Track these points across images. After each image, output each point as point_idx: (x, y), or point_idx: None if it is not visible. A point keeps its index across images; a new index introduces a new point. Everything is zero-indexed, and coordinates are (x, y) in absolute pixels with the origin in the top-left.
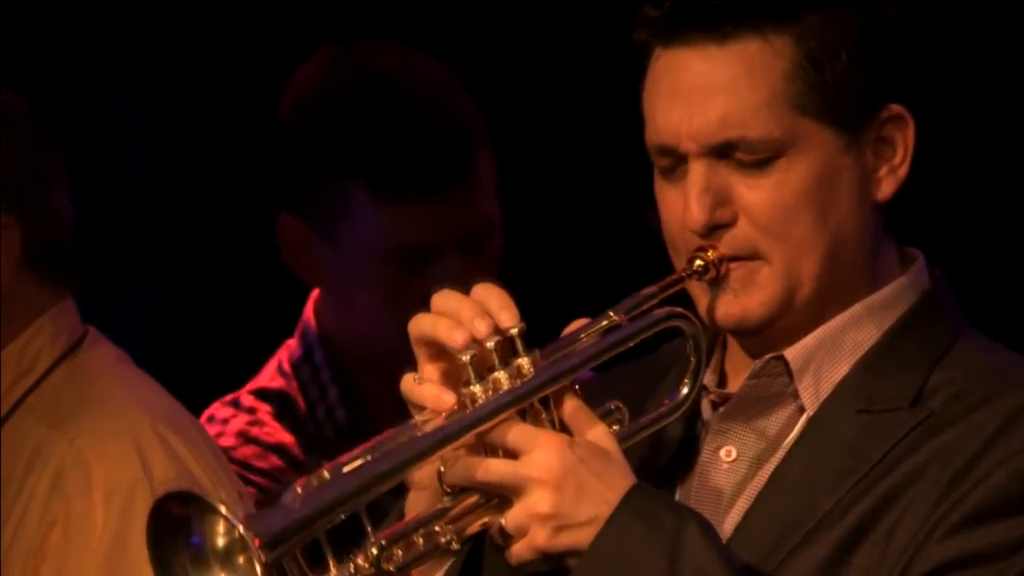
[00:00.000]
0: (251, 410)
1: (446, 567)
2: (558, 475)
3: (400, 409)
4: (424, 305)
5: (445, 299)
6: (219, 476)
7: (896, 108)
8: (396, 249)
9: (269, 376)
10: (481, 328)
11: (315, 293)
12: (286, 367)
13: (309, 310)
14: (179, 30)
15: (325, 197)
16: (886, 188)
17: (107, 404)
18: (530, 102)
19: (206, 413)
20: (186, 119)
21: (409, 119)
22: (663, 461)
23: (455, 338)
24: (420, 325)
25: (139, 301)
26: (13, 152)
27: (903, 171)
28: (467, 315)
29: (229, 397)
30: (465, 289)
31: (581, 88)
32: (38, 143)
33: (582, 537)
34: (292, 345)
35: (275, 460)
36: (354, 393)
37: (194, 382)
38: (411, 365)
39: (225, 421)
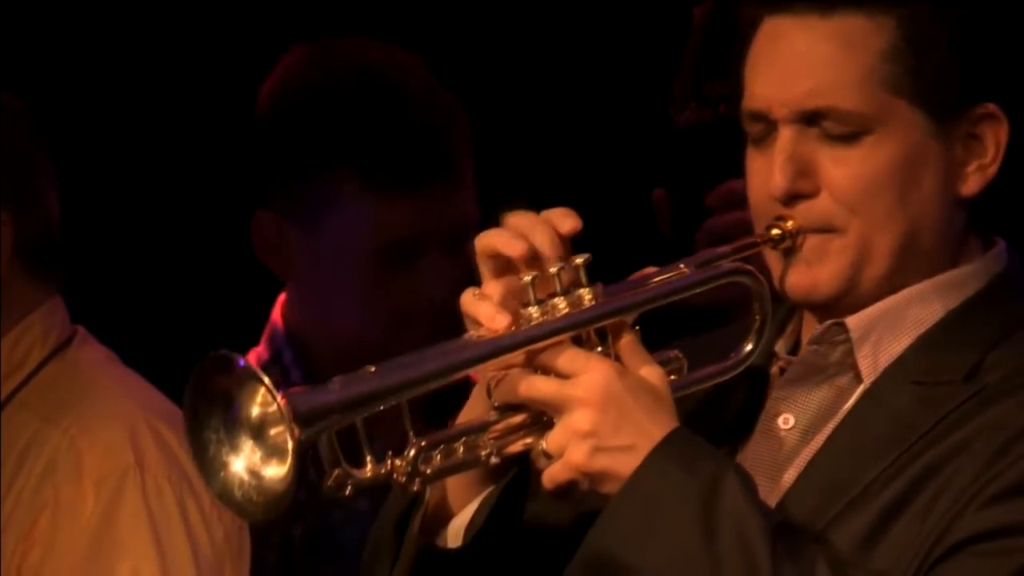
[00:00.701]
0: None
1: (482, 496)
2: (602, 397)
3: None
4: (405, 300)
5: (516, 216)
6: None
7: (991, 107)
8: (381, 244)
9: None
10: (542, 240)
11: (281, 297)
12: None
13: (276, 313)
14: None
15: (306, 190)
16: (972, 184)
17: (100, 397)
18: (507, 100)
19: None
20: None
21: (400, 112)
22: (725, 422)
23: (514, 247)
24: (485, 236)
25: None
26: (7, 148)
27: (992, 170)
28: (530, 228)
29: None
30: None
31: (559, 85)
32: (31, 140)
33: (618, 463)
34: (259, 351)
35: None
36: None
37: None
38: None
39: None
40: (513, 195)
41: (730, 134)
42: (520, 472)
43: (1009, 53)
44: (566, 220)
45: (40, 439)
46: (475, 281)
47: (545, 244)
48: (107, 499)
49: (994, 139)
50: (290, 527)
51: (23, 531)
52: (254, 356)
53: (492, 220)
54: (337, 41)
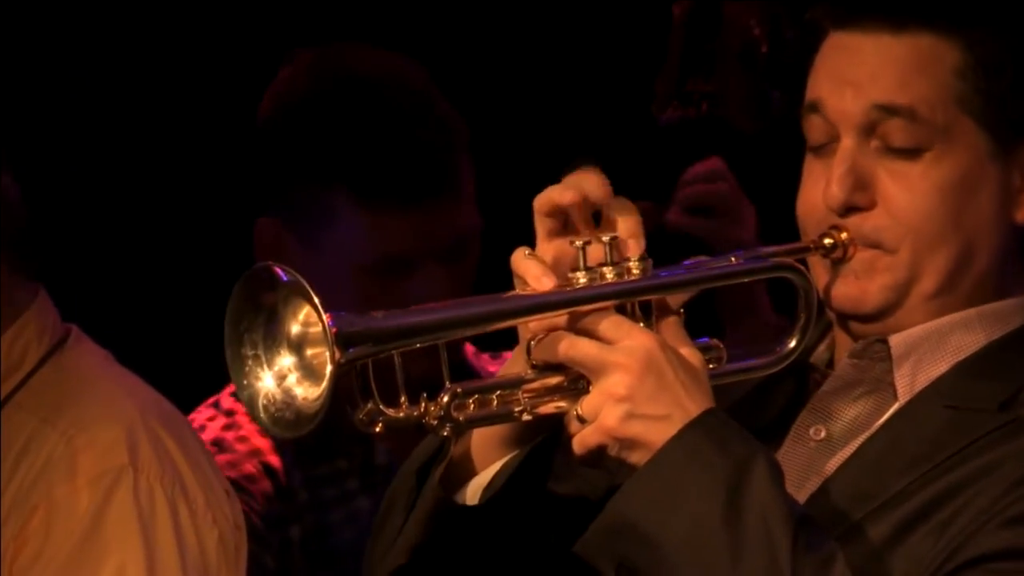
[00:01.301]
0: (229, 412)
1: (506, 459)
2: (642, 365)
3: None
4: None
5: (592, 184)
6: (205, 472)
7: None
8: (377, 259)
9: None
10: (592, 186)
11: None
12: None
13: None
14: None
15: (305, 202)
16: None
17: (98, 398)
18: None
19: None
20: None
21: (393, 126)
22: (758, 427)
23: (564, 195)
24: (545, 192)
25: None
26: None
27: None
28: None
29: (211, 399)
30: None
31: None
32: None
33: (651, 432)
34: None
35: (249, 468)
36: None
37: (180, 384)
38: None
39: (201, 428)
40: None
41: (712, 131)
42: (546, 441)
43: None
44: (594, 187)
45: (38, 440)
46: (473, 291)
47: (595, 189)
48: (99, 498)
49: None
50: (288, 529)
51: (16, 530)
52: None
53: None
54: (334, 49)
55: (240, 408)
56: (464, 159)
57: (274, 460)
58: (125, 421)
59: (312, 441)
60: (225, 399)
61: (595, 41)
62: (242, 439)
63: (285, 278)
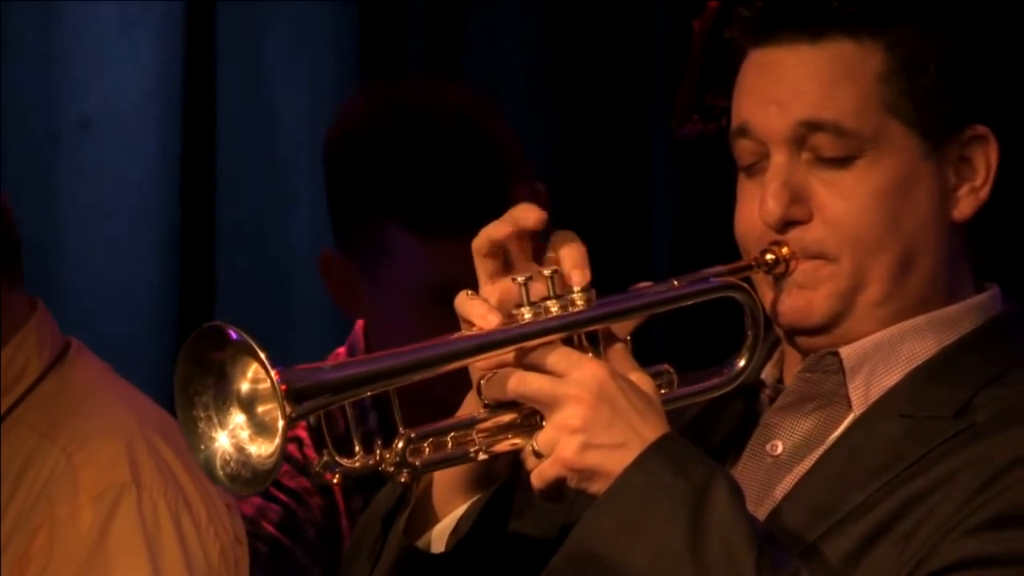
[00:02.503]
0: None
1: (469, 503)
2: (594, 395)
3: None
4: None
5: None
6: (206, 484)
7: (981, 129)
8: (433, 285)
9: None
10: (525, 214)
11: None
12: None
13: (359, 326)
14: None
15: (365, 236)
16: (965, 208)
17: (98, 412)
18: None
19: None
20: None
21: (444, 157)
22: (713, 447)
23: (499, 229)
24: (482, 231)
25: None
26: None
27: (984, 193)
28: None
29: None
30: None
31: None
32: None
33: (609, 461)
34: (340, 356)
35: (303, 481)
36: (392, 424)
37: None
38: (444, 402)
39: None
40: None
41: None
42: (507, 483)
43: (996, 75)
44: (529, 215)
45: (38, 456)
46: None
47: (530, 219)
48: (102, 516)
49: (984, 161)
50: (343, 547)
51: (20, 550)
52: (333, 358)
53: None
54: (394, 82)
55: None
56: (520, 184)
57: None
58: (125, 435)
59: None
60: None
61: (616, 55)
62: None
63: (234, 337)
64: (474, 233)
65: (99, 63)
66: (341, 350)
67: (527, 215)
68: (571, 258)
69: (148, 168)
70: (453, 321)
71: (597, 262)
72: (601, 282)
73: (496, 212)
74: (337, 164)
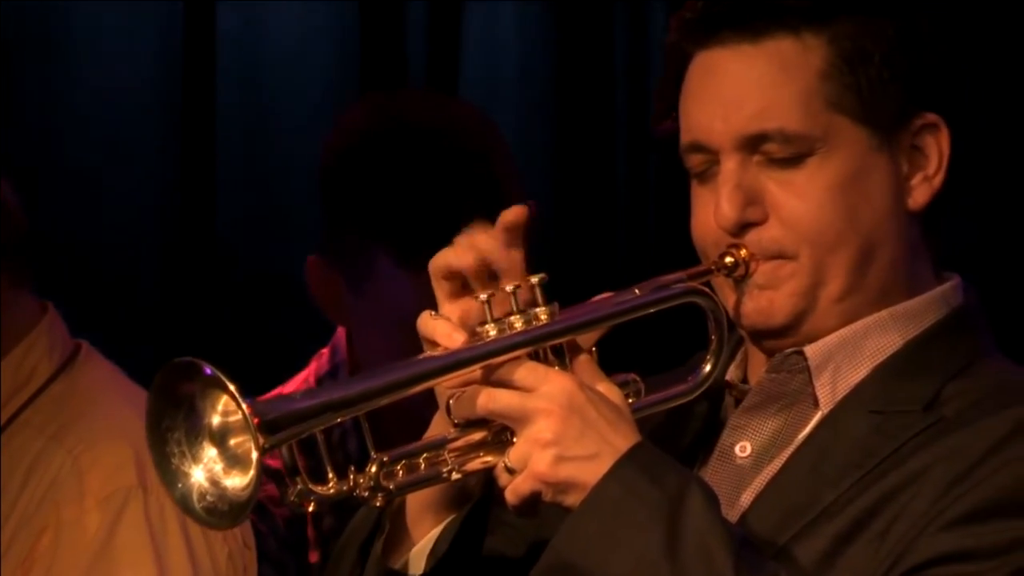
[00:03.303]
0: None
1: (444, 524)
2: (564, 407)
3: None
4: None
5: (465, 232)
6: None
7: (931, 117)
8: (415, 315)
9: (294, 386)
10: (489, 246)
11: None
12: (312, 380)
13: (342, 331)
14: None
15: (352, 252)
16: (919, 197)
17: (106, 415)
18: None
19: None
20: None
21: (439, 190)
22: (679, 451)
23: (462, 258)
24: (439, 258)
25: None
26: None
27: (938, 180)
28: (479, 239)
29: None
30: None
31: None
32: None
33: (582, 472)
34: (321, 361)
35: (273, 489)
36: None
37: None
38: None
39: None
40: None
41: None
42: (481, 502)
43: (943, 61)
44: (507, 214)
45: (45, 459)
46: None
47: (494, 252)
48: (109, 519)
49: (937, 149)
50: (309, 554)
51: (24, 552)
52: (316, 362)
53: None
54: (400, 95)
55: None
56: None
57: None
58: (132, 438)
59: None
60: None
61: (615, 56)
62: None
63: (203, 371)
64: None
65: (99, 63)
66: (325, 351)
67: (487, 244)
68: (505, 212)
69: (148, 168)
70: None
71: (598, 263)
72: (603, 285)
73: None
74: (332, 178)
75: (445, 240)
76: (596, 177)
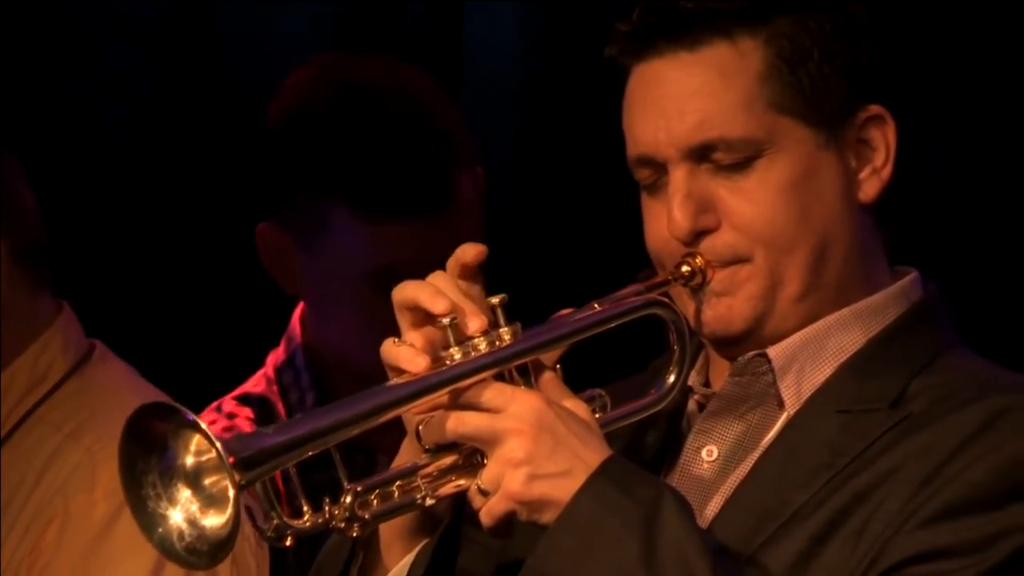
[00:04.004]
0: (231, 415)
1: (418, 548)
2: (534, 426)
3: None
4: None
5: (437, 276)
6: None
7: (875, 108)
8: (371, 269)
9: (254, 382)
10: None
11: (301, 304)
12: (270, 372)
13: (295, 318)
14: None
15: (305, 210)
16: (869, 189)
17: (122, 413)
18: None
19: None
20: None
21: (391, 139)
22: (646, 459)
23: (437, 304)
24: (404, 290)
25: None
26: None
27: (886, 172)
28: (451, 290)
29: (215, 403)
30: None
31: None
32: (6, 164)
33: (556, 489)
34: (278, 352)
35: None
36: (331, 400)
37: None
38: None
39: None
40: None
41: None
42: (452, 525)
43: (881, 50)
44: (468, 251)
45: (63, 455)
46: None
47: (465, 303)
48: (114, 508)
49: (883, 141)
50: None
51: (32, 543)
52: (273, 356)
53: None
54: (344, 59)
55: (242, 411)
56: (466, 172)
57: None
58: None
59: None
60: (227, 403)
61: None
62: None
63: (174, 413)
64: (416, 219)
65: (99, 62)
66: (278, 350)
67: (452, 289)
68: (465, 247)
69: (149, 167)
70: (389, 308)
71: (602, 261)
72: (605, 284)
73: (439, 202)
74: (282, 137)
75: (401, 191)
76: (597, 177)
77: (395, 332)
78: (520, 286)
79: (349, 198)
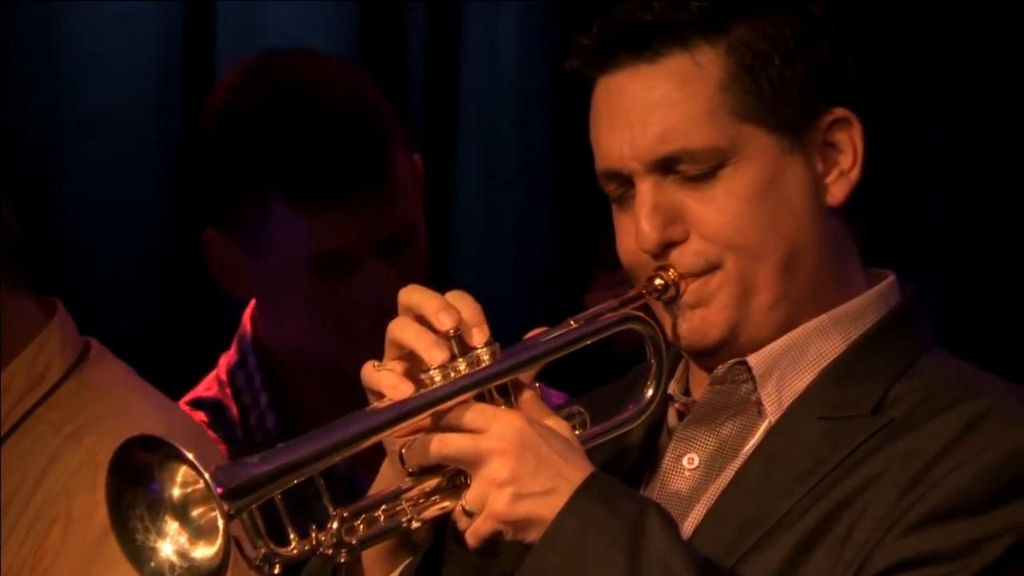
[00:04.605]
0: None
1: (401, 567)
2: (517, 445)
3: (329, 415)
4: (349, 311)
5: (419, 299)
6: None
7: (840, 111)
8: (316, 257)
9: (205, 385)
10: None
11: (252, 302)
12: (222, 375)
13: (246, 318)
14: None
15: (244, 210)
16: (838, 192)
17: (122, 413)
18: None
19: None
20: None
21: (318, 125)
22: (626, 469)
23: (434, 356)
24: (403, 332)
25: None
26: None
27: (855, 174)
28: (445, 327)
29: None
30: (396, 287)
31: None
32: None
33: (541, 508)
34: (229, 354)
35: None
36: (285, 400)
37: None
38: (340, 373)
39: None
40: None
41: None
42: (434, 546)
43: (843, 52)
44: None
45: (64, 457)
46: (417, 282)
47: (444, 317)
48: None
49: (850, 143)
50: None
51: (35, 545)
52: (224, 360)
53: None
54: (268, 56)
55: (195, 415)
56: (398, 153)
57: None
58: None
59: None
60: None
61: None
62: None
63: (159, 444)
64: (354, 201)
65: (99, 63)
66: (230, 352)
67: (441, 314)
68: (470, 317)
69: (148, 168)
70: (336, 293)
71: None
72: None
73: (375, 181)
74: (212, 139)
75: (333, 174)
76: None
77: (347, 325)
78: (521, 284)
79: (284, 188)
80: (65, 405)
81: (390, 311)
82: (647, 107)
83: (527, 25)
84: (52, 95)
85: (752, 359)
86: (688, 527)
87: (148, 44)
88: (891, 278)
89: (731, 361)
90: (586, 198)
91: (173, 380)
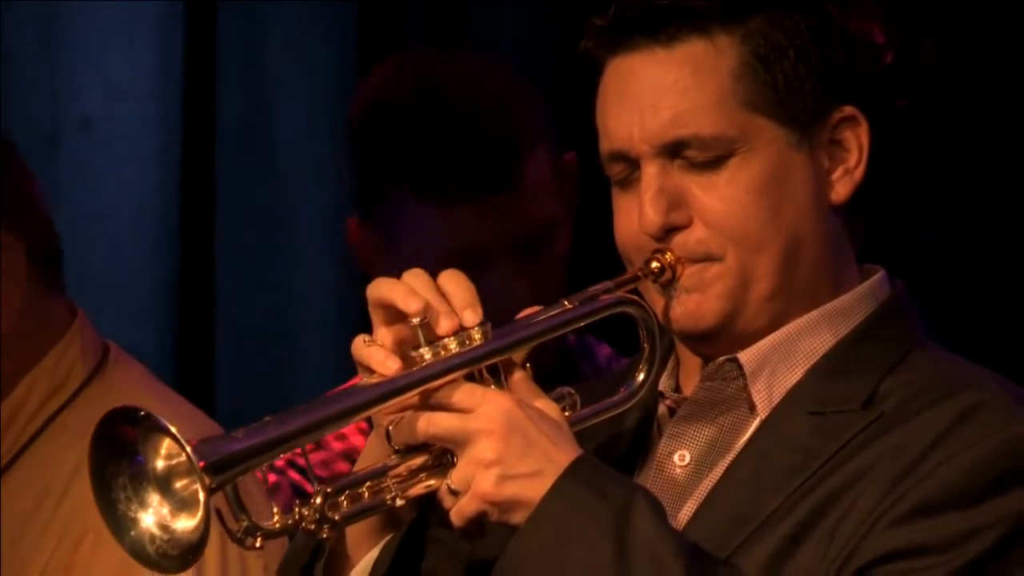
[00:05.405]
0: None
1: (382, 543)
2: (504, 426)
3: None
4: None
5: (412, 274)
6: (250, 490)
7: (849, 109)
8: (446, 254)
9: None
10: (436, 300)
11: None
12: None
13: None
14: None
15: (383, 204)
16: (841, 190)
17: None
18: None
19: None
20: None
21: (448, 126)
22: (618, 465)
23: (409, 304)
24: (378, 288)
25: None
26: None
27: (859, 173)
28: (425, 289)
29: None
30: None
31: None
32: (11, 154)
33: (527, 490)
34: None
35: (341, 467)
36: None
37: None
38: None
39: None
40: None
41: None
42: (417, 522)
43: (856, 52)
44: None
45: None
46: (546, 285)
47: (438, 304)
48: None
49: (856, 142)
50: None
51: (65, 559)
52: None
53: None
54: (413, 54)
55: None
56: (534, 153)
57: None
58: None
59: None
60: None
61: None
62: (340, 436)
63: (142, 416)
64: (480, 203)
65: (99, 63)
66: None
67: (427, 288)
68: (462, 297)
69: (148, 168)
70: (477, 285)
71: (604, 262)
72: (611, 275)
73: (499, 188)
74: (356, 135)
75: (465, 172)
76: (597, 176)
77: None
78: None
79: (417, 186)
80: (88, 411)
81: (513, 313)
82: (660, 90)
83: (528, 26)
84: (52, 95)
85: (743, 356)
86: (679, 522)
87: (148, 44)
88: (880, 273)
89: (722, 358)
90: (586, 198)
91: (173, 380)
